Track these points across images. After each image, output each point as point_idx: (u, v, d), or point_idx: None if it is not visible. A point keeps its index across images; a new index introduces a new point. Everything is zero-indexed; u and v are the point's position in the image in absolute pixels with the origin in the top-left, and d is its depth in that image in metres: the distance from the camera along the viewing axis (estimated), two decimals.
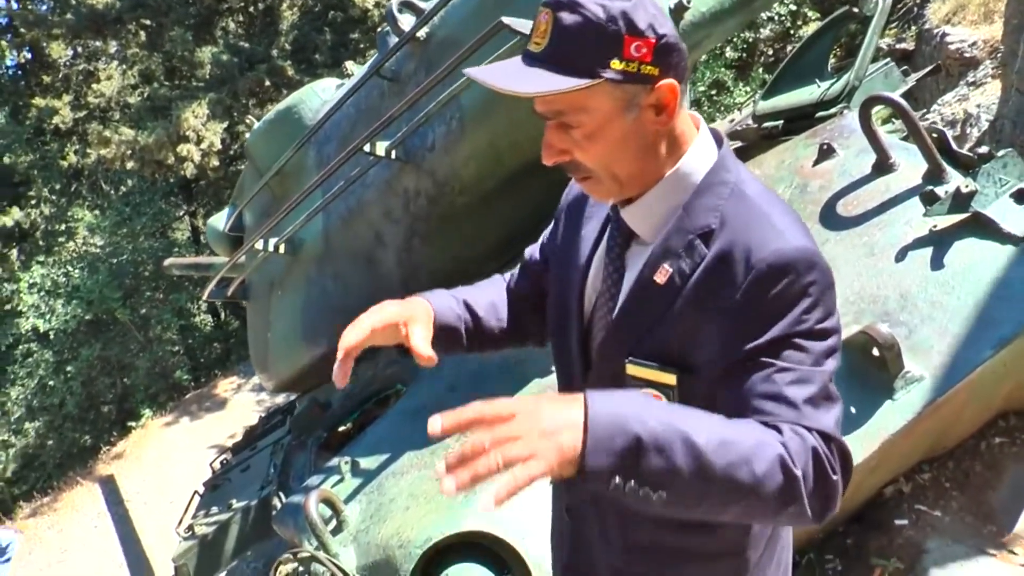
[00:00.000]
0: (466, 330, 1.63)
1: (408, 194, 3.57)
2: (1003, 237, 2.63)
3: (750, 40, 11.71)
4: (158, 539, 8.31)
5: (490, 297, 1.70)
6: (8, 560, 5.73)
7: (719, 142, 1.41)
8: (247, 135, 4.51)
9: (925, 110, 8.40)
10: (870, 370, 2.48)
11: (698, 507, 1.14)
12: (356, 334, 1.44)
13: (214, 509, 4.21)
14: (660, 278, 1.31)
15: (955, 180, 2.84)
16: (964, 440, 2.90)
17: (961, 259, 2.65)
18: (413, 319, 1.49)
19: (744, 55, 11.77)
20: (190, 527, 4.08)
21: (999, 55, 7.56)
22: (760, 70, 12.64)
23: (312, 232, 4.07)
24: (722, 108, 11.21)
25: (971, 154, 2.94)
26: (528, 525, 2.48)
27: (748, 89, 12.01)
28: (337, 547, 2.72)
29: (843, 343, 2.51)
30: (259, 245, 4.07)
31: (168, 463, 10.68)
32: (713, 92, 11.48)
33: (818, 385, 1.23)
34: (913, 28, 12.15)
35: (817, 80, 3.92)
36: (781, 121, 4.02)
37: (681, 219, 1.32)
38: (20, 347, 13.44)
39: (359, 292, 3.94)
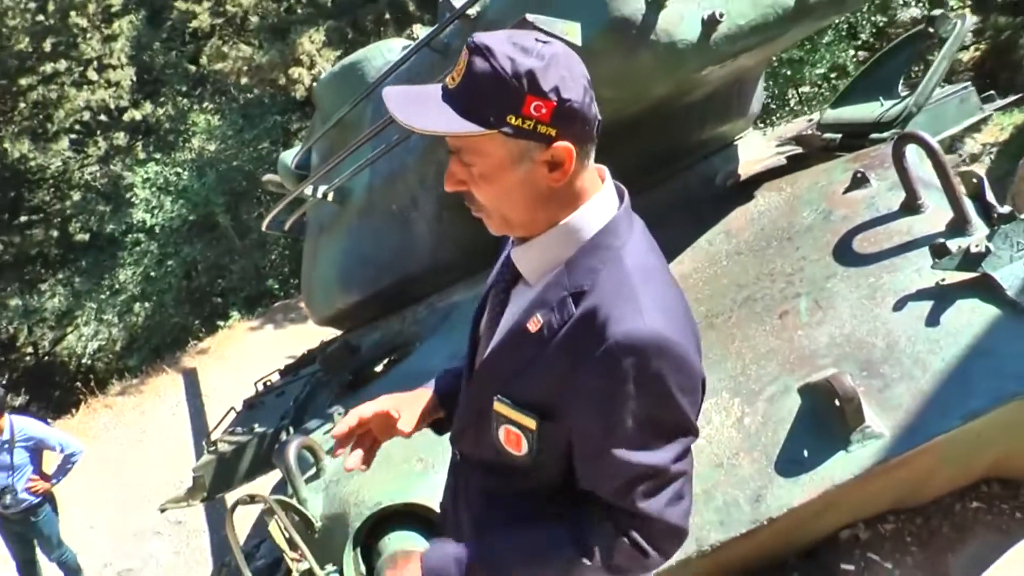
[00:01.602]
0: None
1: (441, 165, 3.65)
2: (1006, 304, 2.53)
3: (881, 24, 11.07)
4: None
5: None
6: (70, 468, 6.16)
7: (621, 199, 1.45)
8: (315, 83, 4.68)
9: None
10: (831, 417, 2.46)
11: None
12: (345, 423, 1.65)
13: (239, 429, 4.51)
14: (532, 327, 1.38)
15: (980, 232, 2.74)
16: (940, 497, 2.84)
17: (958, 319, 2.57)
18: (400, 406, 1.68)
19: (873, 39, 11.15)
20: (215, 442, 4.38)
21: None
22: None
23: (359, 185, 4.22)
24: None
25: (1004, 212, 2.81)
26: None
27: None
28: (307, 493, 2.90)
29: (812, 385, 2.53)
30: (308, 191, 4.25)
31: (247, 365, 11.25)
32: (833, 75, 10.98)
33: (648, 470, 1.32)
34: None
35: (882, 98, 3.77)
36: (839, 135, 3.90)
37: (561, 274, 1.37)
38: (131, 235, 14.39)
39: (392, 250, 4.09)
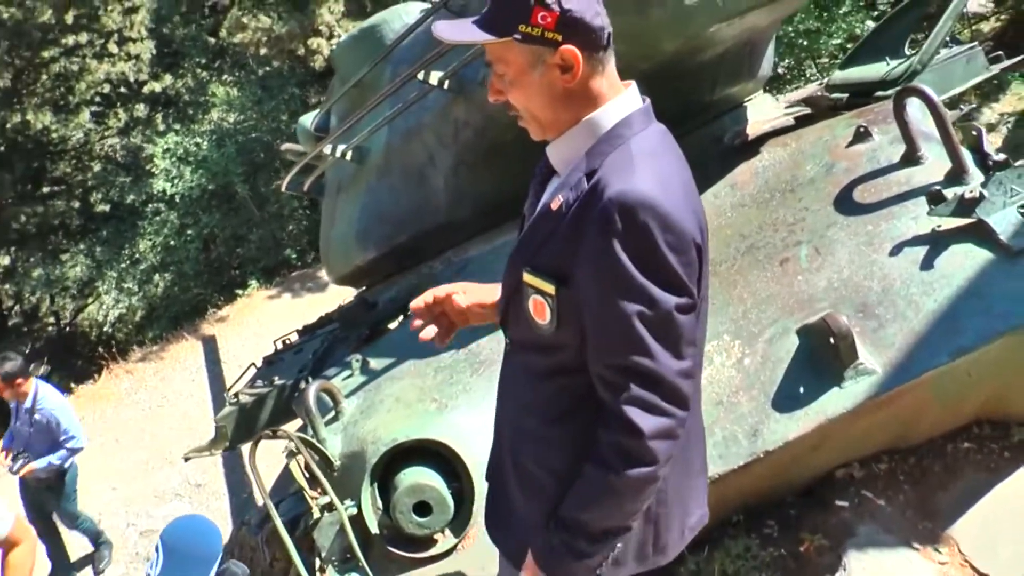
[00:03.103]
0: None
1: (458, 123, 3.75)
2: (998, 248, 2.62)
3: None
4: None
5: None
6: (58, 463, 5.80)
7: (643, 103, 1.62)
8: (334, 46, 4.79)
9: None
10: (827, 356, 2.57)
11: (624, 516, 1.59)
12: (421, 299, 1.88)
13: (259, 382, 4.66)
14: (555, 205, 1.57)
15: (973, 183, 2.82)
16: (932, 439, 2.95)
17: (952, 263, 2.67)
18: (471, 293, 1.90)
19: (890, 9, 11.11)
20: (236, 394, 4.53)
21: None
22: None
23: (377, 144, 4.33)
24: None
25: (999, 160, 2.89)
26: (485, 441, 2.73)
27: None
28: (326, 433, 3.03)
29: (810, 326, 2.64)
30: (327, 150, 4.36)
31: (265, 333, 11.40)
32: (849, 46, 10.94)
33: (642, 323, 1.45)
34: None
35: (888, 58, 3.84)
36: (847, 95, 3.97)
37: (581, 160, 1.57)
38: (151, 205, 14.60)
39: (409, 207, 4.20)
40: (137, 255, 14.66)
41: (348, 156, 4.44)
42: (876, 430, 2.77)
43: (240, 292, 13.30)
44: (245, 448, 6.15)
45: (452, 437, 2.79)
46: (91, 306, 16.44)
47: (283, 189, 5.45)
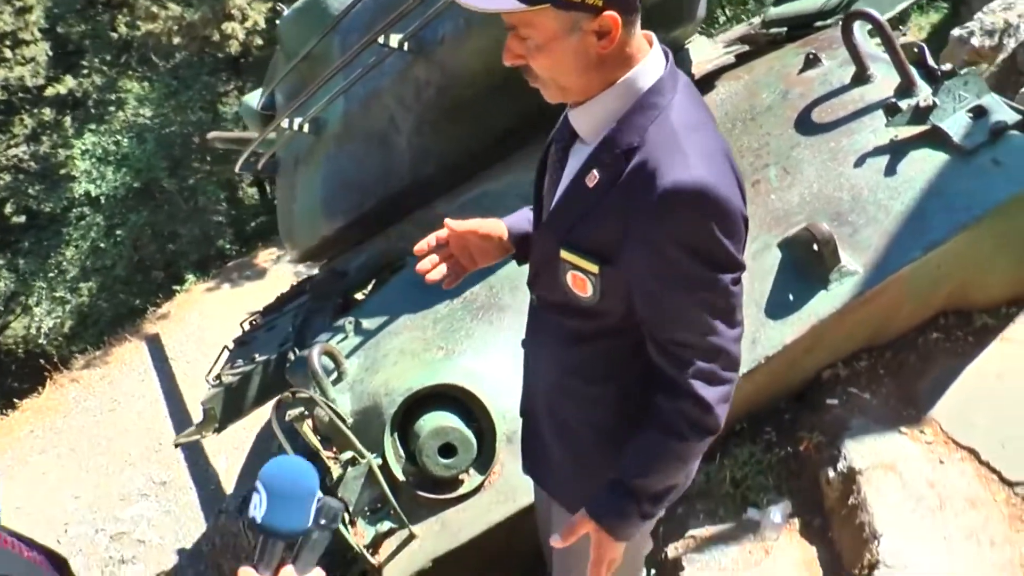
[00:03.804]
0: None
1: (419, 83, 3.81)
2: (953, 149, 2.85)
3: None
4: (197, 393, 8.92)
5: None
6: None
7: (667, 60, 1.58)
8: (278, 21, 4.75)
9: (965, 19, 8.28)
10: (810, 263, 2.76)
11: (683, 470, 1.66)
12: (425, 241, 1.81)
13: (239, 362, 4.66)
14: (590, 182, 1.55)
15: (924, 94, 3.04)
16: (904, 333, 3.18)
17: (913, 168, 2.88)
18: (480, 230, 1.82)
19: None
20: (218, 376, 4.53)
21: None
22: None
23: (334, 114, 4.34)
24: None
25: (946, 70, 3.10)
26: (496, 381, 2.85)
27: None
28: (335, 394, 3.10)
29: (790, 238, 2.82)
30: (285, 124, 4.36)
31: (209, 325, 11.30)
32: None
33: (698, 305, 1.48)
34: None
35: None
36: (785, 28, 4.16)
37: (614, 132, 1.52)
38: (74, 210, 14.14)
39: (373, 171, 4.24)
40: (64, 263, 14.22)
41: (305, 128, 4.44)
42: (858, 328, 2.98)
43: (177, 288, 13.04)
44: (209, 440, 6.10)
45: (466, 381, 2.89)
46: (15, 324, 15.88)
47: (236, 171, 5.40)
